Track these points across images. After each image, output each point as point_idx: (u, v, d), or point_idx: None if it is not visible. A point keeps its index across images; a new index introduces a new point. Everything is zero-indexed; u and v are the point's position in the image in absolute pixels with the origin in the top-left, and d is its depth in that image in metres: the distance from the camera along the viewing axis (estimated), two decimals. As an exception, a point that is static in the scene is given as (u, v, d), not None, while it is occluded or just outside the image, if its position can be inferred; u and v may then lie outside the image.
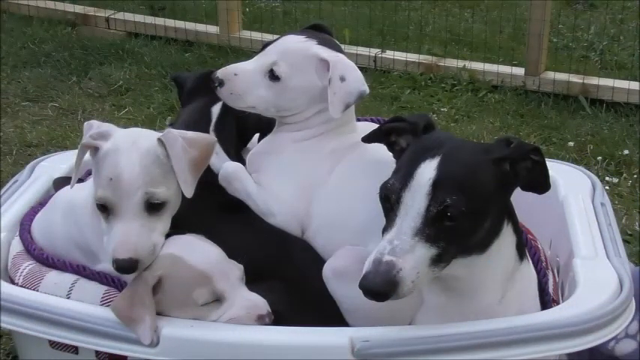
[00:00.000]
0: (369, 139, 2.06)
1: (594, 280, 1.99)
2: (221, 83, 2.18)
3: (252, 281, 2.01)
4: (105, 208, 1.95)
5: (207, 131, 2.30)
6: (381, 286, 1.71)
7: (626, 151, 4.09)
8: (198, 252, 1.97)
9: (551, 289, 2.15)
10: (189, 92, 2.47)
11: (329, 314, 2.02)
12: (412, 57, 5.24)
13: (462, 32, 5.83)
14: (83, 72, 5.20)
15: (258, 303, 1.95)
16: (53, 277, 2.04)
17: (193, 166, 2.01)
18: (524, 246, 2.07)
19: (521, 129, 4.42)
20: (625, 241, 2.57)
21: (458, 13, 6.32)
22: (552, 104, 4.74)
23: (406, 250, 1.73)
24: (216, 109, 2.35)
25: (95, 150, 2.00)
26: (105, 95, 4.90)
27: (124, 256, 1.91)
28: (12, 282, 2.08)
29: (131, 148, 1.98)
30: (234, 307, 1.93)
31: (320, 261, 2.11)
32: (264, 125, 2.36)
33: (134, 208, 1.94)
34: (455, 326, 1.86)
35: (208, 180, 2.14)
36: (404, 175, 1.80)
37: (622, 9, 6.23)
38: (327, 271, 2.06)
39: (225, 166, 2.23)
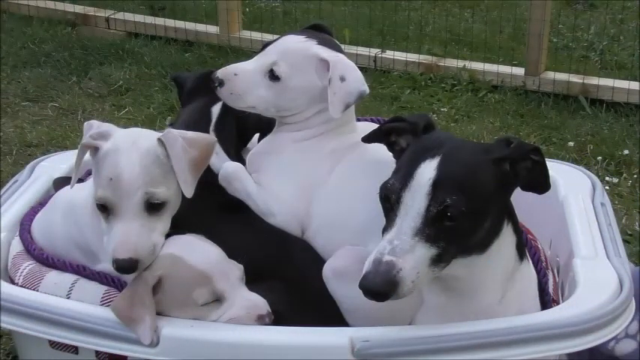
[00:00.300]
0: (369, 139, 2.06)
1: (594, 280, 1.99)
2: (221, 83, 2.18)
3: (252, 281, 2.02)
4: (105, 208, 1.95)
5: (207, 131, 2.30)
6: (381, 286, 1.71)
7: (626, 151, 4.09)
8: (198, 252, 1.97)
9: (551, 289, 2.16)
10: (189, 92, 2.47)
11: (329, 314, 2.02)
12: (412, 57, 5.24)
13: (462, 32, 5.83)
14: (83, 72, 5.20)
15: (258, 303, 1.95)
16: (53, 277, 2.04)
17: (193, 166, 2.01)
18: (524, 246, 2.07)
19: (521, 129, 4.43)
20: (625, 241, 2.57)
21: (458, 13, 6.33)
22: (552, 104, 4.74)
23: (406, 250, 1.73)
24: (216, 109, 2.35)
25: (95, 150, 2.00)
26: (105, 95, 4.90)
27: (124, 256, 1.91)
28: (12, 282, 2.08)
29: (131, 148, 1.98)
30: (234, 307, 1.93)
31: (320, 261, 2.11)
32: (264, 125, 2.36)
33: (134, 208, 1.94)
34: (455, 326, 1.86)
35: (208, 180, 2.14)
36: (404, 175, 1.80)
37: (622, 9, 6.23)
38: (327, 271, 2.07)
39: (225, 166, 2.23)
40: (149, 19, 5.84)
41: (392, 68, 5.20)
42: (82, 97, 4.86)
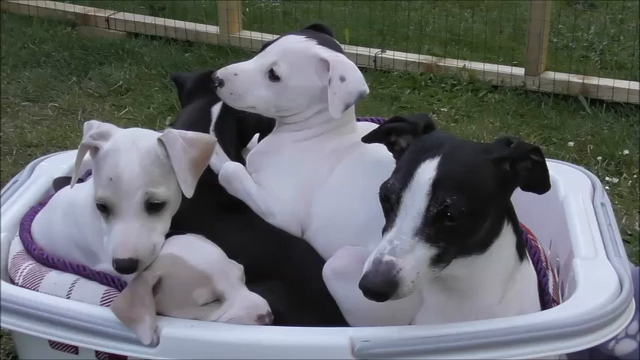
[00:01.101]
0: (369, 139, 2.06)
1: (594, 280, 1.99)
2: (221, 83, 2.18)
3: (252, 281, 2.02)
4: (105, 208, 1.95)
5: (207, 131, 2.30)
6: (381, 286, 1.71)
7: (626, 151, 4.09)
8: (198, 252, 1.97)
9: (551, 289, 2.15)
10: (189, 92, 2.47)
11: (329, 314, 2.02)
12: (412, 57, 5.24)
13: (462, 32, 5.83)
14: (83, 72, 5.19)
15: (258, 303, 1.95)
16: (53, 277, 2.03)
17: (193, 166, 2.01)
18: (524, 246, 2.07)
19: (521, 129, 4.42)
20: (625, 241, 2.56)
21: (458, 13, 6.32)
22: (552, 104, 4.74)
23: (406, 250, 1.73)
24: (216, 109, 2.35)
25: (95, 150, 2.00)
26: (105, 95, 4.89)
27: (124, 256, 1.91)
28: (12, 282, 2.08)
29: (131, 148, 1.98)
30: (234, 307, 1.93)
31: (320, 261, 2.12)
32: (264, 125, 2.36)
33: (134, 208, 1.94)
34: (455, 326, 1.86)
35: (208, 180, 2.14)
36: (404, 175, 1.80)
37: (622, 9, 6.23)
38: (326, 271, 2.07)
39: (226, 166, 2.23)
40: (149, 19, 5.83)
41: (392, 68, 5.20)
42: (82, 97, 4.85)
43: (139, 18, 5.85)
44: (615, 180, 3.83)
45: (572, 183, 2.48)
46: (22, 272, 2.07)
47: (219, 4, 5.62)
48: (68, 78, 5.12)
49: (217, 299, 1.93)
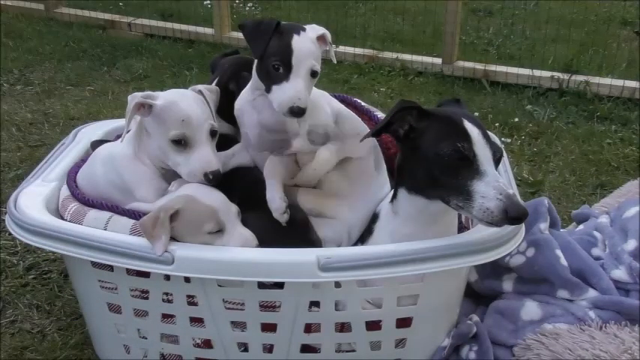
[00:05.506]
0: (376, 134, 1.86)
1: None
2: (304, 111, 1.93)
3: (246, 211, 1.99)
4: (179, 143, 1.97)
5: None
6: (525, 209, 1.65)
7: (516, 119, 4.11)
8: (207, 194, 1.95)
9: (463, 219, 2.15)
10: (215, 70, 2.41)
11: (300, 238, 2.00)
12: (358, 50, 5.20)
13: (395, 32, 5.82)
14: (112, 63, 5.10)
15: (249, 237, 1.92)
16: (93, 214, 1.99)
17: (214, 105, 2.10)
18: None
19: (439, 104, 4.42)
20: (517, 185, 2.59)
21: (392, 19, 6.29)
22: (462, 85, 4.74)
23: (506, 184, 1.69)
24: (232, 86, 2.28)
25: (149, 108, 1.98)
26: (129, 81, 4.81)
27: (214, 168, 1.96)
28: (62, 218, 2.04)
29: (184, 98, 2.01)
30: (232, 241, 1.90)
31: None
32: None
33: (205, 136, 1.98)
34: (395, 246, 1.86)
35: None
36: (459, 136, 1.71)
37: (512, 15, 6.28)
38: (299, 199, 2.07)
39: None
40: (161, 24, 5.75)
41: (344, 59, 5.16)
42: (111, 83, 4.76)
43: (154, 22, 5.76)
44: (508, 140, 3.85)
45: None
46: (69, 211, 2.03)
47: (214, 11, 5.53)
48: (100, 68, 5.02)
49: (220, 230, 1.91)
